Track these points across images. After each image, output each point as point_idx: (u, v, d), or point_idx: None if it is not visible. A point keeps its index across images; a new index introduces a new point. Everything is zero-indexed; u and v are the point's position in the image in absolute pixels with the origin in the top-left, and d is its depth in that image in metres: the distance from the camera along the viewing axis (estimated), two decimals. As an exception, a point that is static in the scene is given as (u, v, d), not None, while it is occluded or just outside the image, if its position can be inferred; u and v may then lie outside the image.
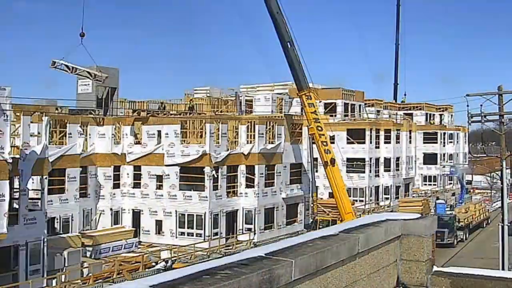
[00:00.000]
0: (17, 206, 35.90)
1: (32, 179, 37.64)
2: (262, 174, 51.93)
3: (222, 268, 4.23)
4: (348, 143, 72.98)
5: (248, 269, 4.22)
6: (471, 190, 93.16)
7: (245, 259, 4.48)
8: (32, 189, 37.93)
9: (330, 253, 5.12)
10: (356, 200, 71.61)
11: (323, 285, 5.03)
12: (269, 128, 52.74)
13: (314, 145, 54.43)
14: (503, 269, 28.07)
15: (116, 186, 52.64)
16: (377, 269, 6.08)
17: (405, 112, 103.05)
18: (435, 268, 6.63)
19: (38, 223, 36.61)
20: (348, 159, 72.92)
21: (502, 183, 29.95)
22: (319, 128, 52.74)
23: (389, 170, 75.40)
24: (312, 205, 58.36)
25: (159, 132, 51.70)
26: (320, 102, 79.77)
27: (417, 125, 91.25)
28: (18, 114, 36.56)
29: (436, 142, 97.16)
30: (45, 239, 36.89)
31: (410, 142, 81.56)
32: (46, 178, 37.81)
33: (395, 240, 6.45)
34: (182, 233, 49.70)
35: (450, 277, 6.41)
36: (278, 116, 55.73)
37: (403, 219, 6.65)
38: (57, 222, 45.58)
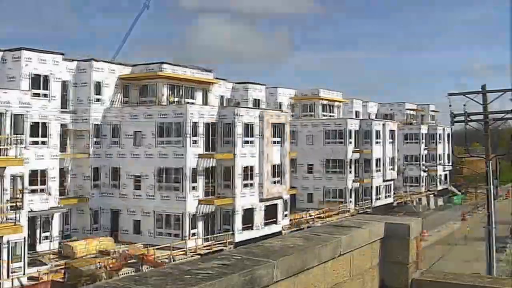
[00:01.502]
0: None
1: (13, 178, 37.73)
2: (240, 174, 51.99)
3: (204, 268, 4.14)
4: (327, 143, 73.21)
5: (229, 269, 4.15)
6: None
7: (227, 260, 4.40)
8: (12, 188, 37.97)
9: (312, 254, 5.06)
10: (336, 201, 71.91)
11: (305, 286, 4.98)
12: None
13: (293, 145, 54.54)
14: (490, 273, 28.01)
15: (95, 186, 52.64)
16: (360, 271, 6.01)
17: (387, 112, 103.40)
18: (419, 271, 6.56)
19: (20, 222, 36.73)
20: (327, 160, 73.14)
21: (487, 184, 29.84)
22: None
23: (369, 171, 75.60)
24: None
25: (136, 133, 51.80)
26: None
27: (399, 125, 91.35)
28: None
29: (418, 143, 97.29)
30: (26, 238, 37.12)
31: (391, 142, 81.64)
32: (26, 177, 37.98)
33: (379, 242, 6.38)
34: (160, 233, 49.77)
35: (435, 281, 6.35)
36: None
37: (386, 221, 6.59)
38: (38, 221, 45.47)
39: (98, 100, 53.23)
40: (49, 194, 46.49)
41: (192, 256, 44.29)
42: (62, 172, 50.00)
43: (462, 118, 28.99)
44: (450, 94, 29.64)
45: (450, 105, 29.48)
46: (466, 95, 28.95)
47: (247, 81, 70.34)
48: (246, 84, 69.84)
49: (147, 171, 51.05)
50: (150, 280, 3.89)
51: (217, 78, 62.21)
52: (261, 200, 54.41)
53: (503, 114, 29.48)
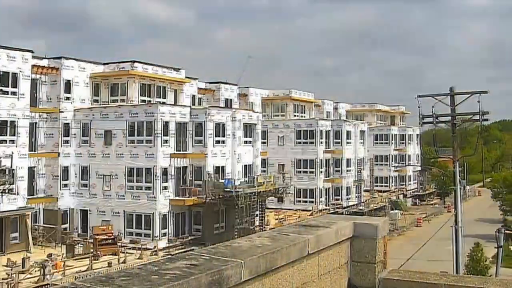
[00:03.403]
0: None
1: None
2: (210, 174, 51.92)
3: (171, 268, 4.11)
4: (298, 143, 73.44)
5: (197, 269, 4.12)
6: None
7: (194, 260, 4.38)
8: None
9: (280, 254, 5.06)
10: (306, 201, 72.16)
11: (273, 286, 4.98)
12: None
13: (264, 146, 54.60)
14: (457, 272, 28.39)
15: (64, 185, 52.30)
16: (328, 270, 6.03)
17: (356, 112, 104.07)
18: (387, 270, 6.61)
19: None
20: (298, 160, 73.36)
21: (455, 185, 30.34)
22: None
23: (339, 171, 75.91)
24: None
25: (106, 132, 51.54)
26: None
27: (369, 126, 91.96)
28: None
29: (388, 143, 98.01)
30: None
31: (362, 143, 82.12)
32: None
33: (346, 242, 6.42)
34: (131, 233, 49.50)
35: (402, 280, 6.40)
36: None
37: (354, 221, 6.63)
38: (6, 221, 45.11)
39: (68, 98, 52.78)
40: (17, 194, 45.99)
41: (162, 256, 44.08)
42: (31, 172, 49.54)
43: (431, 119, 29.50)
44: (420, 96, 30.09)
45: (419, 106, 29.95)
46: (435, 97, 29.41)
47: (219, 81, 70.27)
48: (218, 83, 69.76)
49: (118, 170, 50.76)
50: (116, 280, 3.84)
51: (188, 78, 62.00)
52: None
53: (470, 116, 30.04)
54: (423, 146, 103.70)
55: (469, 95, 29.22)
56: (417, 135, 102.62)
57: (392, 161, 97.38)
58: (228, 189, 49.87)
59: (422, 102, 30.13)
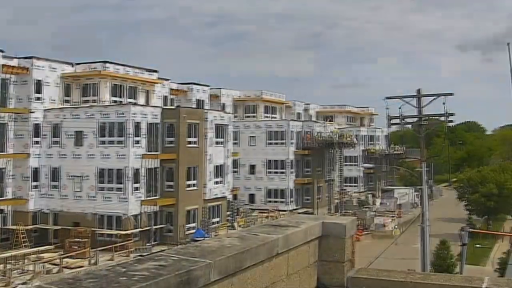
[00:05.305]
0: None
1: None
2: (183, 175, 51.82)
3: (140, 269, 4.13)
4: (269, 144, 73.60)
5: (166, 270, 4.10)
6: None
7: (163, 260, 4.43)
8: None
9: (249, 254, 5.07)
10: (277, 201, 72.37)
11: (242, 286, 4.98)
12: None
13: (236, 146, 54.66)
14: (424, 270, 28.75)
15: (34, 187, 51.84)
16: (297, 269, 6.08)
17: (327, 114, 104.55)
18: (355, 269, 6.71)
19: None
20: (269, 161, 73.50)
21: (421, 184, 30.83)
22: None
23: (310, 172, 76.11)
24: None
25: (77, 133, 51.20)
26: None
27: (338, 127, 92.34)
28: None
29: (357, 144, 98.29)
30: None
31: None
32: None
33: (315, 241, 6.48)
34: (101, 234, 49.15)
35: (370, 278, 6.49)
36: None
37: (322, 220, 6.69)
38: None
39: (38, 98, 52.31)
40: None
41: (134, 257, 43.95)
42: (0, 173, 49.01)
43: (398, 120, 30.03)
44: (388, 98, 30.51)
45: (387, 108, 30.41)
46: (402, 99, 29.87)
47: (191, 82, 70.18)
48: (190, 84, 69.66)
49: (89, 171, 50.42)
50: (84, 282, 3.83)
51: (160, 78, 61.80)
52: (205, 201, 54.33)
53: (436, 117, 30.62)
54: (391, 147, 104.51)
55: (435, 97, 29.72)
56: (385, 136, 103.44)
57: (361, 161, 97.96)
58: None
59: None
